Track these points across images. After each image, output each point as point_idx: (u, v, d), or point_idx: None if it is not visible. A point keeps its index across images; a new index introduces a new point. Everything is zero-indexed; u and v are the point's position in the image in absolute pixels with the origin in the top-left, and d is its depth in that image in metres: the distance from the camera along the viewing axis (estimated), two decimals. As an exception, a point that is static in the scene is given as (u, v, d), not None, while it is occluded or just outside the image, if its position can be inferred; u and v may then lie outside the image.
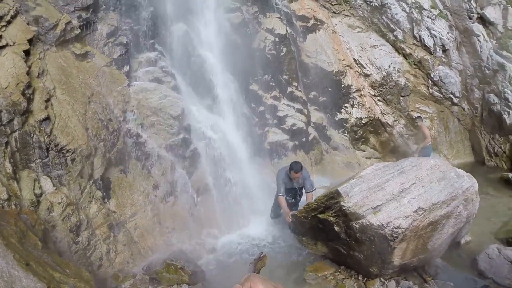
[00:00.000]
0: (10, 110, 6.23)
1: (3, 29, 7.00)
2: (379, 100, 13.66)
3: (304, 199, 8.16)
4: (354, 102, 13.36)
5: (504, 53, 13.39)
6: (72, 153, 6.83)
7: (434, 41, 13.68)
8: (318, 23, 13.50)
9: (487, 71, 13.60)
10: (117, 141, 7.84)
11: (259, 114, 11.33)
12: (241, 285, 1.63)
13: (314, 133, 12.30)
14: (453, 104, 13.90)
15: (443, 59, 13.78)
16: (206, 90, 10.12)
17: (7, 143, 6.12)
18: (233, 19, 11.22)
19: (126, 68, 8.78)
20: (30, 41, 7.27)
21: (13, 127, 6.26)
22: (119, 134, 7.94)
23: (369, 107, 13.53)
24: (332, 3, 13.83)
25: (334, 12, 13.92)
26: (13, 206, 5.59)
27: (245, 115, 10.90)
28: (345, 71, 13.38)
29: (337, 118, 13.18)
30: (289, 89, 11.97)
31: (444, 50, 13.77)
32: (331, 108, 13.16)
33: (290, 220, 7.60)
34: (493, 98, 13.30)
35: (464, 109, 14.01)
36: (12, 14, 7.28)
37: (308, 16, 13.36)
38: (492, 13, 13.97)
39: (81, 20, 8.34)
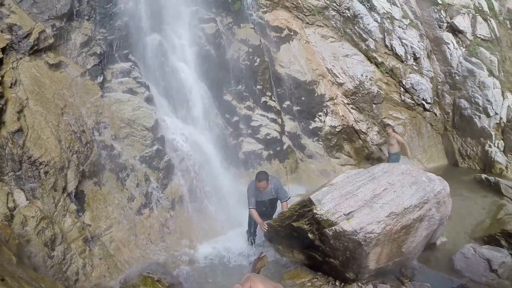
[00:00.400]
0: (-19, 122, 6.12)
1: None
2: (352, 108, 13.83)
3: (279, 209, 8.08)
4: (328, 110, 13.48)
5: (473, 59, 13.75)
6: (45, 165, 6.72)
7: (405, 49, 13.92)
8: (292, 33, 13.62)
9: (457, 77, 13.94)
10: (91, 153, 7.75)
11: (233, 124, 11.34)
12: (241, 285, 1.64)
13: (289, 142, 12.36)
14: (425, 110, 14.15)
15: (414, 67, 14.03)
16: (180, 100, 10.12)
17: (-22, 156, 6.02)
18: (207, 30, 11.24)
19: (99, 79, 8.69)
20: (3, 50, 7.14)
21: (-16, 139, 6.15)
22: (92, 146, 7.85)
23: (343, 115, 13.67)
24: (306, 14, 13.93)
25: (307, 23, 14.03)
26: (-15, 221, 5.49)
27: (219, 126, 10.91)
28: (318, 80, 13.52)
29: (311, 127, 13.26)
30: (263, 99, 12.03)
31: (415, 58, 14.02)
32: (305, 117, 13.24)
33: (265, 229, 7.58)
34: (463, 103, 13.66)
35: (436, 114, 14.28)
36: (-14, 21, 7.18)
37: (282, 26, 13.48)
38: (461, 22, 14.31)
39: (55, 29, 8.23)
